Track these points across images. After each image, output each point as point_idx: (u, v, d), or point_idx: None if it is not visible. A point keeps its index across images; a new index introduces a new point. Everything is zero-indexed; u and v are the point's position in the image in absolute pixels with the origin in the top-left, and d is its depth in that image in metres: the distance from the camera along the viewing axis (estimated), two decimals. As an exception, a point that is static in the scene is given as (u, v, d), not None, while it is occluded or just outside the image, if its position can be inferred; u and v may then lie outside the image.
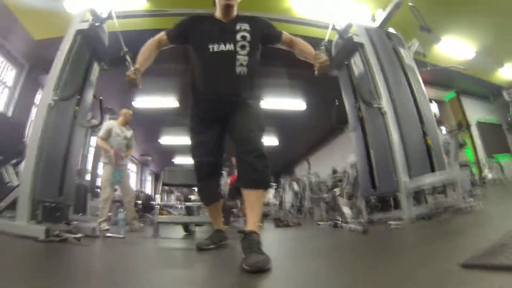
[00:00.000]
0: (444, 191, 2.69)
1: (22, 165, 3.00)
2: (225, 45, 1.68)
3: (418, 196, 2.69)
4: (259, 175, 1.51)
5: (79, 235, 2.17)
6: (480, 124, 7.32)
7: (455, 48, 5.73)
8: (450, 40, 5.52)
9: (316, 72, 1.74)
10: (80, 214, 3.53)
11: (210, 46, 1.69)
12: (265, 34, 1.81)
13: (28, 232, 2.08)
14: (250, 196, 1.52)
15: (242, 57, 1.69)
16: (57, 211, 2.65)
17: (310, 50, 1.79)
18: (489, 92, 7.50)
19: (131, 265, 1.59)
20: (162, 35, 1.84)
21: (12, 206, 2.33)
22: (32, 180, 2.31)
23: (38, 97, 5.84)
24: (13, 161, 3.17)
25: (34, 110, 5.67)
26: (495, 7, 4.72)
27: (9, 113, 5.11)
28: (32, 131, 2.51)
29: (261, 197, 1.58)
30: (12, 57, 5.30)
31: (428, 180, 2.60)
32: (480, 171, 6.14)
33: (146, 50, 1.80)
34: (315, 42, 1.85)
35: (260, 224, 1.64)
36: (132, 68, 1.68)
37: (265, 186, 1.56)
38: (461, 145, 3.86)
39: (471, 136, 6.93)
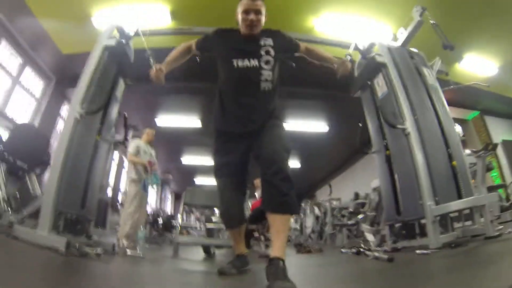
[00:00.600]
0: (472, 216, 2.56)
1: (46, 176, 3.08)
2: (249, 60, 1.70)
3: (444, 222, 2.56)
4: (285, 199, 1.47)
5: (99, 251, 2.17)
6: (506, 143, 7.03)
7: (477, 65, 5.59)
8: (471, 58, 5.41)
9: (338, 76, 1.88)
10: (99, 228, 3.55)
11: (235, 61, 1.71)
12: (286, 47, 1.88)
13: (49, 243, 2.08)
14: (276, 220, 1.48)
15: (267, 72, 1.71)
16: (78, 224, 2.67)
17: (328, 55, 1.95)
18: (513, 109, 7.26)
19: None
20: (192, 42, 1.92)
21: (34, 215, 2.36)
22: (56, 191, 2.33)
23: (63, 110, 6.08)
24: (37, 171, 3.27)
25: (59, 122, 5.89)
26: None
27: (36, 124, 5.32)
28: (58, 143, 2.56)
29: (287, 221, 1.53)
30: (41, 69, 5.56)
31: (455, 205, 2.48)
32: (508, 194, 5.83)
33: (176, 52, 1.91)
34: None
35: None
36: (154, 67, 1.77)
37: (292, 211, 1.52)
38: (489, 168, 3.69)
39: (496, 157, 6.66)
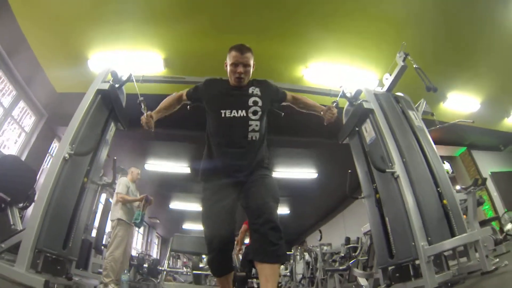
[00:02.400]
0: (466, 253, 2.53)
1: (29, 211, 2.98)
2: (237, 111, 1.74)
3: (438, 261, 2.52)
4: (274, 248, 1.47)
5: (79, 293, 2.07)
6: (494, 175, 7.15)
7: (461, 103, 5.85)
8: (455, 96, 5.67)
9: (325, 122, 1.97)
10: (81, 269, 3.38)
11: (222, 112, 1.74)
12: (274, 97, 1.95)
13: (26, 281, 2.00)
14: (265, 269, 1.48)
15: (254, 122, 1.74)
16: (59, 264, 2.53)
17: (315, 103, 2.04)
18: (499, 141, 7.48)
19: None
20: (183, 92, 2.01)
21: (13, 250, 2.26)
22: (38, 228, 2.25)
23: (52, 147, 6.04)
24: (20, 205, 3.17)
25: (47, 159, 5.82)
26: (495, 57, 4.88)
27: (23, 158, 5.23)
28: (44, 180, 2.51)
29: (277, 270, 1.52)
30: (34, 104, 5.58)
31: (448, 244, 2.45)
32: (501, 225, 5.82)
33: (167, 101, 2.01)
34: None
35: None
36: (145, 114, 1.88)
37: (280, 261, 1.52)
38: (479, 203, 3.71)
39: (487, 190, 6.73)
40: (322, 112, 1.96)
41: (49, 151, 5.94)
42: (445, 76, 4.99)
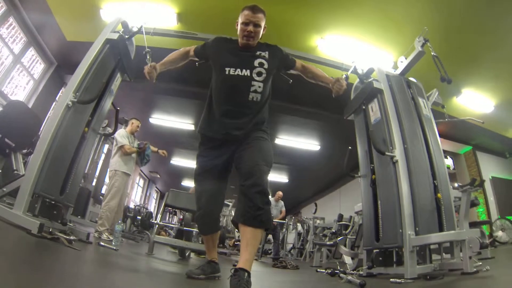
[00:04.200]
0: (451, 250, 2.56)
1: (31, 157, 3.05)
2: (241, 70, 1.73)
3: (423, 253, 2.55)
4: (259, 213, 1.47)
5: (72, 238, 2.15)
6: (495, 180, 7.11)
7: (474, 101, 5.68)
8: (469, 93, 5.49)
9: (333, 94, 1.89)
10: (79, 217, 3.50)
11: (227, 69, 1.74)
12: (282, 63, 1.92)
13: (22, 223, 2.07)
14: (247, 233, 1.49)
15: (257, 83, 1.73)
16: (55, 209, 2.63)
17: (325, 75, 1.97)
18: (505, 148, 7.38)
19: (118, 280, 1.52)
20: (191, 47, 1.98)
21: (13, 194, 2.34)
22: (37, 173, 2.32)
23: (60, 95, 6.06)
24: (24, 151, 3.23)
25: (53, 107, 5.86)
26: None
27: (30, 105, 5.28)
28: (46, 127, 2.55)
29: (259, 235, 1.53)
30: (43, 52, 5.55)
31: (435, 237, 2.48)
32: (491, 231, 5.86)
33: (174, 54, 1.97)
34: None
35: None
36: (149, 64, 1.83)
37: (264, 226, 1.52)
38: (474, 204, 3.70)
39: (484, 193, 6.72)
40: (330, 84, 1.88)
41: (56, 99, 5.98)
42: (463, 70, 4.79)
